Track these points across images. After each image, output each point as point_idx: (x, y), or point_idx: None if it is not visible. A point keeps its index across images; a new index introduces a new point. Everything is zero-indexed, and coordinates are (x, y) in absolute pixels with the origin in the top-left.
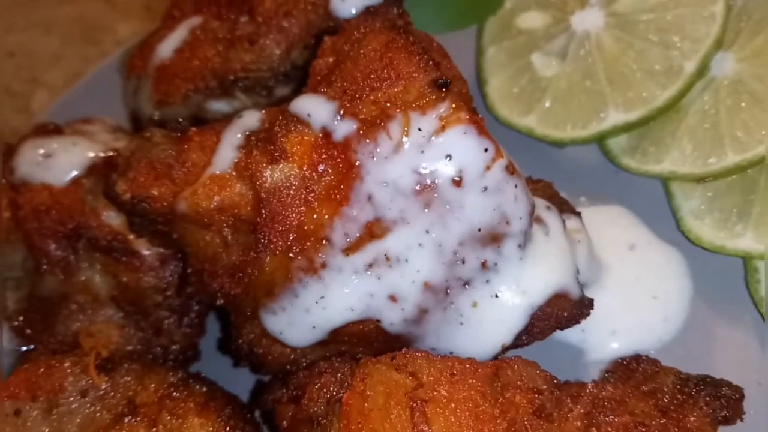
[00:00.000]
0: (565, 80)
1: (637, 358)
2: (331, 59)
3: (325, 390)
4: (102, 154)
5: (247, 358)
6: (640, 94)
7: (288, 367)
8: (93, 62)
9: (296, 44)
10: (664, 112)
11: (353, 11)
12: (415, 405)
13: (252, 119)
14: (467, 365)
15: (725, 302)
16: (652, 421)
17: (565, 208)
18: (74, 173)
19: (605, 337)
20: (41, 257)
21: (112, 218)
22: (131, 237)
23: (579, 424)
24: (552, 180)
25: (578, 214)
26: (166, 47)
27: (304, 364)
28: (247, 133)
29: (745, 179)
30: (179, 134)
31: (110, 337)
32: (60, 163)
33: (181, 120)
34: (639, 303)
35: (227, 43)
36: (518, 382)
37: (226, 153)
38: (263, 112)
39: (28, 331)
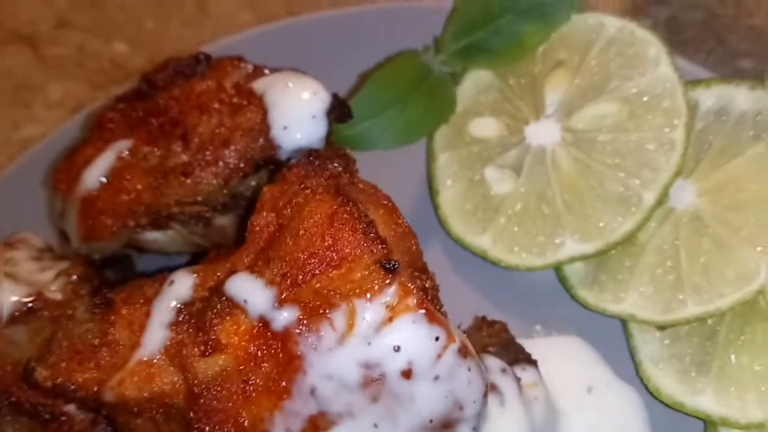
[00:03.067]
0: (521, 201)
1: None
2: (270, 216)
3: None
4: (25, 299)
5: None
6: (597, 224)
7: None
8: (22, 127)
9: (235, 175)
10: (621, 244)
11: (297, 138)
12: None
13: (184, 286)
14: None
15: None
16: None
17: (521, 357)
18: None
19: None
20: None
21: (38, 373)
22: (60, 403)
23: None
24: (508, 305)
25: (534, 364)
26: (92, 175)
27: None
28: (179, 306)
29: (704, 328)
30: (105, 306)
31: None
32: None
33: (108, 293)
34: None
35: (159, 175)
36: None
37: (156, 332)
38: (196, 276)
39: None
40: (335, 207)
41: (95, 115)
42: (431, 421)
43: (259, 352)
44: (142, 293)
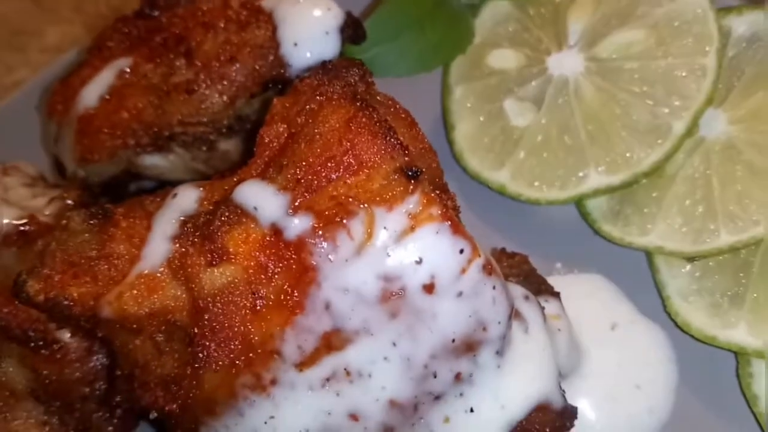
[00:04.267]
0: (541, 132)
1: None
2: (281, 127)
3: None
4: (16, 222)
5: None
6: (624, 154)
7: None
8: (15, 71)
9: (241, 94)
10: (649, 175)
11: (308, 57)
12: None
13: (188, 199)
14: None
15: (715, 394)
16: None
17: (543, 288)
18: None
19: (586, 429)
20: None
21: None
22: (52, 329)
23: None
24: (526, 242)
25: (557, 296)
26: (90, 93)
27: None
28: (183, 218)
29: (736, 259)
30: (102, 218)
31: None
32: None
33: (106, 204)
34: (621, 393)
35: (161, 93)
36: None
37: (158, 245)
38: (201, 189)
39: None
40: (353, 111)
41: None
42: (453, 341)
43: (270, 263)
44: (142, 207)
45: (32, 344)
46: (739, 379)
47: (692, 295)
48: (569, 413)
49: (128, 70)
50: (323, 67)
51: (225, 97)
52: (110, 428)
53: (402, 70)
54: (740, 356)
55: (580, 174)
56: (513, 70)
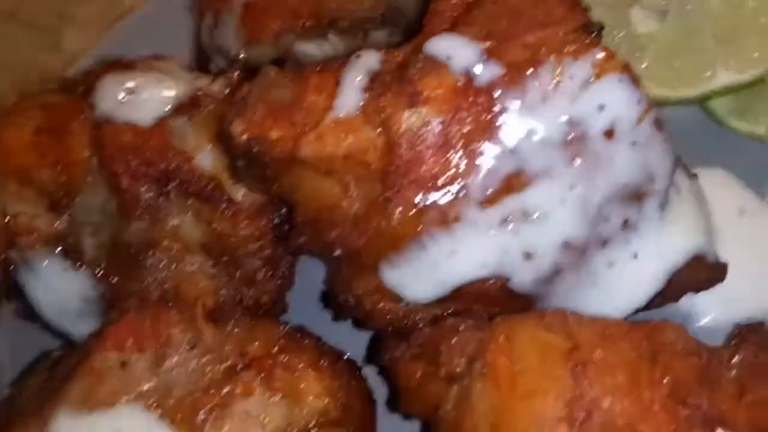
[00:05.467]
0: (666, 38)
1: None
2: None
3: (463, 348)
4: (188, 93)
5: (352, 313)
6: (753, 53)
7: (395, 324)
8: None
9: None
10: None
11: None
12: (575, 366)
13: (372, 60)
14: (619, 327)
15: None
16: None
17: (682, 168)
18: (161, 112)
19: (716, 303)
20: (129, 201)
21: (204, 162)
22: (227, 185)
23: (732, 389)
24: None
25: (695, 177)
26: None
27: (412, 322)
28: (371, 73)
29: None
30: (295, 73)
31: (204, 288)
32: (145, 100)
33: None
34: (752, 269)
35: None
36: (673, 347)
37: (350, 95)
38: (383, 52)
39: (115, 279)
40: None
41: None
42: (625, 186)
43: (462, 107)
44: (326, 67)
45: (209, 200)
46: None
47: None
48: (721, 267)
49: None
50: None
51: None
52: (271, 285)
53: None
54: None
55: (708, 74)
56: None
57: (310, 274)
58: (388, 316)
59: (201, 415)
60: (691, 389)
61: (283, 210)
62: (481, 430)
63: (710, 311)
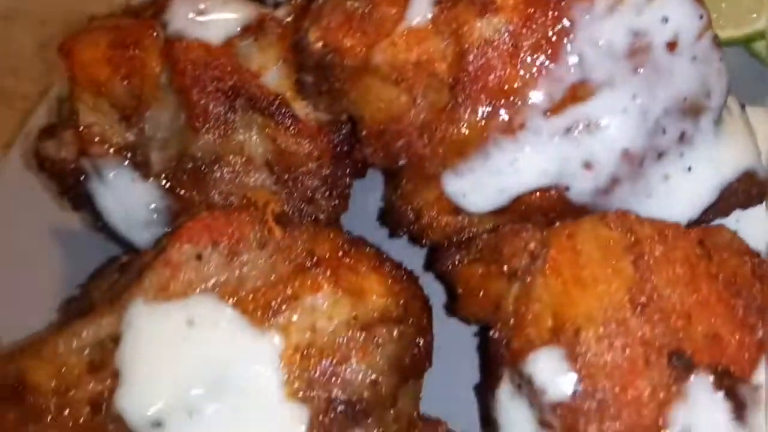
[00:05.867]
0: None
1: None
2: None
3: (525, 245)
4: (255, 17)
5: (410, 226)
6: None
7: (454, 237)
8: None
9: None
10: None
11: None
12: (636, 258)
13: None
14: (677, 228)
15: None
16: None
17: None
18: (230, 32)
19: (761, 228)
20: (198, 114)
21: (271, 80)
22: (293, 101)
23: None
24: None
25: (743, 106)
26: None
27: (471, 234)
28: None
29: None
30: None
31: (270, 197)
32: (215, 20)
33: None
34: None
35: None
36: (728, 246)
37: (420, 6)
38: None
39: (181, 190)
40: None
41: None
42: (684, 99)
43: (532, 16)
44: None
45: (273, 116)
46: None
47: None
48: None
49: None
50: None
51: None
52: (328, 205)
53: None
54: None
55: (754, 15)
56: None
57: (362, 201)
58: (447, 229)
59: (272, 306)
60: (746, 282)
61: (345, 130)
62: (543, 320)
63: (752, 235)
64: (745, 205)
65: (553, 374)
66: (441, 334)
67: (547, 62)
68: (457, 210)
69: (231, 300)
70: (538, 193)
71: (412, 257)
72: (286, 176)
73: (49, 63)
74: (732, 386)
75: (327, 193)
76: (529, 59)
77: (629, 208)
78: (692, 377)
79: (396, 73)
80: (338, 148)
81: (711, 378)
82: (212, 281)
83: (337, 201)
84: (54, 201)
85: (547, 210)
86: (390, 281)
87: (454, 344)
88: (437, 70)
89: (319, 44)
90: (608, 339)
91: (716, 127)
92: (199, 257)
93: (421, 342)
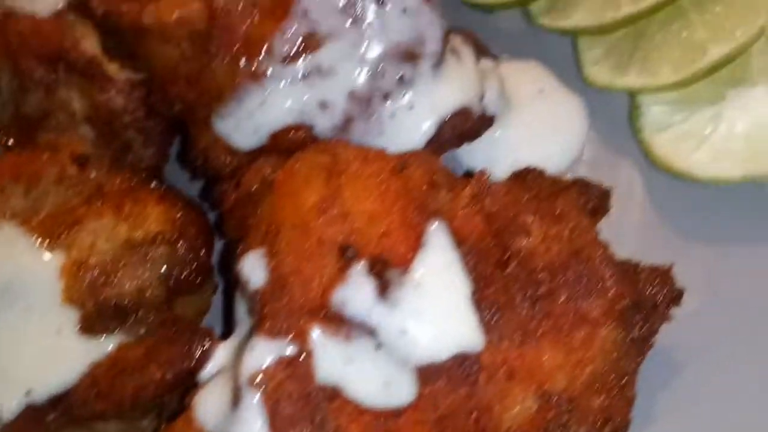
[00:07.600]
0: None
1: (527, 169)
2: None
3: (260, 172)
4: None
5: (201, 167)
6: None
7: (236, 174)
8: None
9: None
10: None
11: None
12: (330, 175)
13: None
14: (378, 152)
15: (614, 140)
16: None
17: (482, 50)
18: (58, 6)
19: (508, 166)
20: (26, 77)
21: (89, 47)
22: (105, 64)
23: (467, 201)
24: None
25: (494, 57)
26: None
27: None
28: None
29: (637, 29)
30: None
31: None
32: None
33: None
34: (541, 137)
35: None
36: (419, 165)
37: None
38: None
39: (10, 140)
40: None
41: None
42: (398, 45)
43: None
44: None
45: (90, 76)
46: (631, 121)
47: (600, 60)
48: (486, 120)
49: None
50: None
51: None
52: (146, 154)
53: None
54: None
55: None
56: None
57: None
58: (228, 168)
59: (58, 229)
60: (424, 192)
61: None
62: (259, 228)
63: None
64: (466, 138)
65: (253, 268)
66: None
67: (281, 16)
68: (232, 149)
69: (24, 224)
70: (291, 133)
71: None
72: (106, 130)
73: None
74: (381, 271)
75: (144, 143)
76: (265, 16)
77: (369, 143)
78: (354, 265)
79: (163, 31)
80: (150, 101)
81: (366, 265)
82: (9, 211)
83: (153, 150)
84: None
85: (302, 147)
86: (169, 210)
87: None
88: (196, 27)
89: (100, 10)
90: (295, 238)
91: (435, 70)
92: (1, 190)
93: (195, 262)
